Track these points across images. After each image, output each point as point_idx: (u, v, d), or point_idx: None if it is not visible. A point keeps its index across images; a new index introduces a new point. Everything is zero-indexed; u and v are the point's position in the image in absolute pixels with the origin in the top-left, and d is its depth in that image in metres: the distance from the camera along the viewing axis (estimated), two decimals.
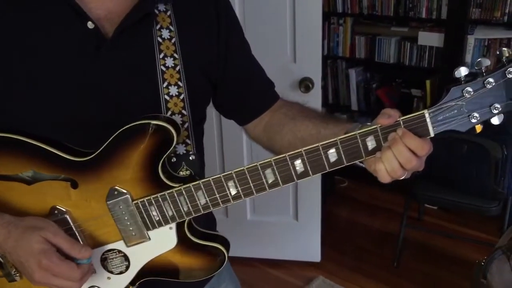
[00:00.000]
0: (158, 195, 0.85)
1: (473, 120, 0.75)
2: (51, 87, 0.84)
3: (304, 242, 2.71)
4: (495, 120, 0.74)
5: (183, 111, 0.91)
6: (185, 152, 0.92)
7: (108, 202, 0.86)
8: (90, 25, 0.83)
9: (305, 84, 2.31)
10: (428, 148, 0.76)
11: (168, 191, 0.85)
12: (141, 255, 0.90)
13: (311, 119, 0.95)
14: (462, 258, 2.71)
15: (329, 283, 2.62)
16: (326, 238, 2.75)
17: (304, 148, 0.79)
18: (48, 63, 0.84)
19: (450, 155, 2.44)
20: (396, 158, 0.75)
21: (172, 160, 0.90)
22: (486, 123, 0.75)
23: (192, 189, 0.84)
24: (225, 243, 0.92)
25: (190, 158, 0.91)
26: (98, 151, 0.84)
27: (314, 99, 2.39)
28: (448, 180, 2.49)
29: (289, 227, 2.68)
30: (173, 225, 0.88)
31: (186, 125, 0.92)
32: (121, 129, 0.82)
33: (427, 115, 0.75)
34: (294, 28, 2.30)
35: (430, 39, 3.06)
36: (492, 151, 2.29)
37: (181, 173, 0.90)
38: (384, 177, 0.78)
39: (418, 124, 0.76)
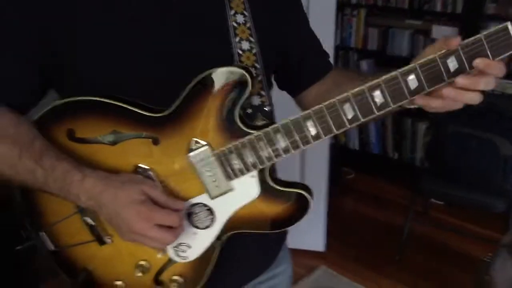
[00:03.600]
0: (238, 142, 0.84)
1: None
2: (118, 44, 0.85)
3: (309, 231, 2.70)
4: None
5: (256, 64, 0.92)
6: (260, 103, 0.92)
7: (189, 155, 0.86)
8: None
9: None
10: None
11: (247, 137, 0.84)
12: (225, 207, 0.89)
13: (358, 79, 0.94)
14: (466, 254, 2.71)
15: (331, 273, 2.63)
16: (330, 228, 2.75)
17: (382, 78, 0.77)
18: (115, 19, 0.84)
19: (458, 150, 2.43)
20: (481, 88, 0.74)
21: (248, 111, 0.91)
22: None
23: (271, 132, 0.83)
24: (308, 190, 0.91)
25: (266, 109, 0.92)
26: (176, 104, 0.85)
27: None
28: (456, 175, 2.49)
29: None
30: (255, 173, 0.87)
31: (259, 78, 0.93)
32: (197, 79, 0.83)
33: (510, 26, 0.71)
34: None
35: (444, 32, 3.04)
36: (501, 147, 2.28)
37: (257, 123, 0.90)
38: (457, 105, 0.76)
39: (501, 38, 0.72)
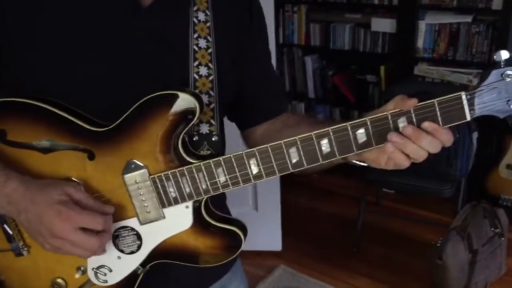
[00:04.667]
0: (176, 170, 0.82)
1: None
2: (78, 49, 0.81)
3: (265, 232, 2.70)
4: None
5: (211, 92, 0.89)
6: (208, 132, 0.89)
7: (124, 176, 0.82)
8: None
9: None
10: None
11: (187, 167, 0.82)
12: (154, 234, 0.86)
13: (310, 124, 0.93)
14: (420, 240, 2.77)
15: (290, 271, 2.63)
16: (285, 226, 2.75)
17: (331, 127, 0.77)
18: (77, 23, 0.81)
19: None
20: (428, 148, 0.74)
21: (194, 139, 0.88)
22: None
23: (212, 165, 0.81)
24: (243, 228, 0.89)
25: (213, 138, 0.89)
26: (118, 121, 0.81)
27: None
28: None
29: (250, 218, 2.64)
30: (190, 203, 0.84)
31: (212, 106, 0.90)
32: (144, 99, 0.79)
33: (463, 97, 0.71)
34: None
35: (383, 25, 3.09)
36: None
37: (201, 152, 0.88)
38: (404, 163, 0.77)
39: (454, 107, 0.72)
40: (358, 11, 3.28)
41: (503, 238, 2.36)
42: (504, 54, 0.70)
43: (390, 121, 0.75)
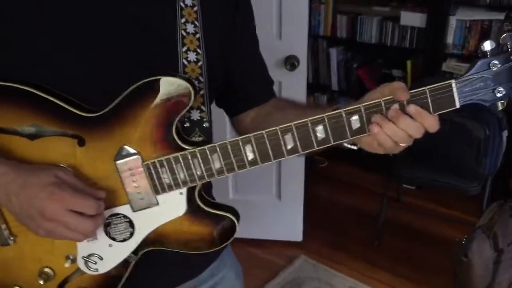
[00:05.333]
0: (171, 156, 0.80)
1: (498, 95, 0.74)
2: (65, 37, 0.79)
3: (287, 221, 2.69)
4: None
5: (200, 78, 0.88)
6: (199, 118, 0.88)
7: (117, 162, 0.81)
8: None
9: (290, 62, 2.27)
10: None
11: (182, 153, 0.80)
12: (147, 221, 0.85)
13: (299, 108, 0.94)
14: (442, 237, 2.75)
15: (311, 262, 2.63)
16: (307, 217, 2.75)
17: (326, 114, 0.76)
18: (63, 11, 0.79)
19: (431, 135, 2.45)
20: (407, 131, 0.75)
21: (186, 125, 0.87)
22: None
23: (207, 151, 0.80)
24: (236, 214, 0.88)
25: (204, 125, 0.88)
26: (110, 106, 0.79)
27: (300, 78, 2.36)
28: (429, 160, 2.51)
29: (272, 206, 2.66)
30: (184, 190, 0.83)
31: (202, 92, 0.89)
32: (136, 84, 0.78)
33: (454, 85, 0.74)
34: (280, 3, 2.25)
35: (412, 19, 3.05)
36: (474, 132, 2.32)
37: (193, 138, 0.87)
38: (390, 146, 0.78)
39: (444, 94, 0.74)
40: (387, 4, 3.25)
41: None
42: (489, 45, 0.74)
43: (384, 108, 0.76)
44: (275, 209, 2.67)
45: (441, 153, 2.46)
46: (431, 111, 0.75)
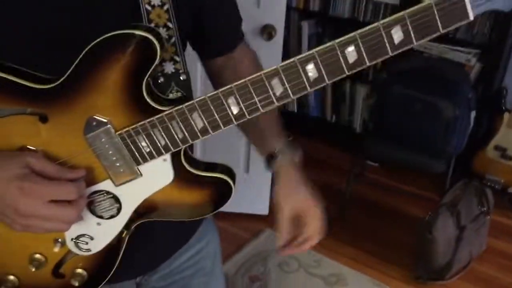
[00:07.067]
0: (146, 121, 0.71)
1: None
2: None
3: (253, 195, 2.65)
4: None
5: (169, 24, 0.77)
6: (174, 71, 0.78)
7: (87, 136, 0.72)
8: None
9: (267, 31, 2.21)
10: None
11: (157, 116, 0.71)
12: (133, 194, 0.77)
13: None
14: (405, 213, 2.77)
15: (276, 235, 2.62)
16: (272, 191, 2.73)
17: (316, 49, 0.66)
18: None
19: (402, 113, 2.47)
20: None
21: (160, 81, 0.77)
22: None
23: (186, 111, 0.70)
24: (229, 173, 0.80)
25: (181, 77, 0.78)
26: (67, 74, 0.69)
27: (276, 48, 2.30)
28: (398, 138, 2.52)
29: (239, 180, 2.62)
30: (167, 156, 0.75)
31: (173, 40, 0.78)
32: (92, 44, 0.67)
33: None
34: None
35: None
36: (444, 111, 2.34)
37: (170, 95, 0.77)
38: None
39: (454, 6, 0.61)
40: None
41: (488, 217, 2.42)
42: None
43: (383, 33, 0.66)
44: (242, 183, 2.62)
45: (411, 132, 2.48)
46: (440, 28, 0.63)
